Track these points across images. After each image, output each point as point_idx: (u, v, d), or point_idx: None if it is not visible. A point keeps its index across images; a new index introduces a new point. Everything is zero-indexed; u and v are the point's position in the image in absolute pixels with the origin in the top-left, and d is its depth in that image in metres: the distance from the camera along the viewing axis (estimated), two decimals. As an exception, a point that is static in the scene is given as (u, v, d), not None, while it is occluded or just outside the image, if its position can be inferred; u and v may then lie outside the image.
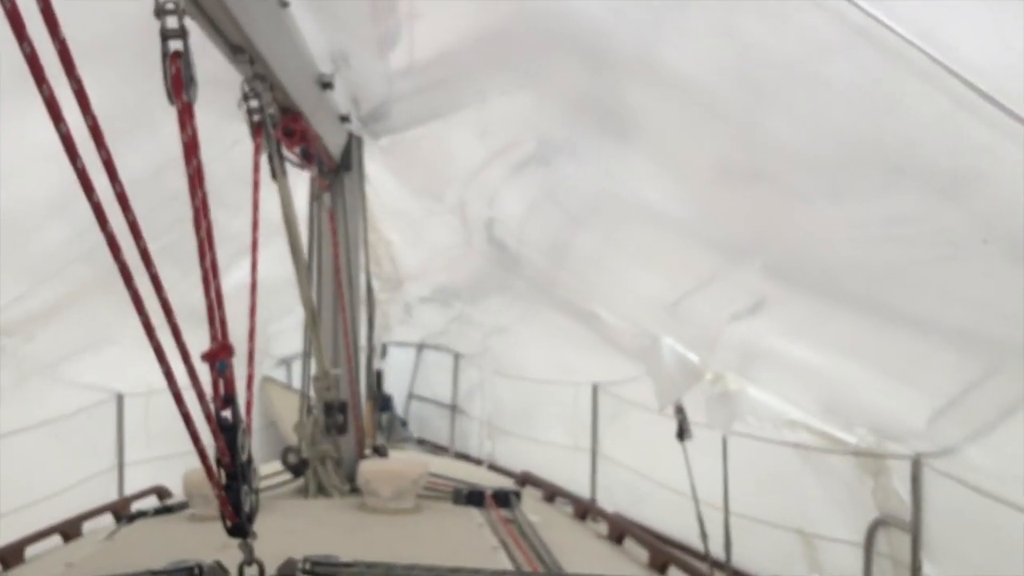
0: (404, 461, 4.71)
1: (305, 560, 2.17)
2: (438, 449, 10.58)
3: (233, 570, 2.14)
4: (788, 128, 3.25)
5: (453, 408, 11.42)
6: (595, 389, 8.03)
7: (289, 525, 3.29)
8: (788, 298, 4.69)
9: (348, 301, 4.82)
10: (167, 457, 7.87)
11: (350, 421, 4.65)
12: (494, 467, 8.15)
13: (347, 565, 2.17)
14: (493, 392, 10.39)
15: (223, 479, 2.03)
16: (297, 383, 9.79)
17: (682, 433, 4.82)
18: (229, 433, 1.99)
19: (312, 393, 4.69)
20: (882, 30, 2.28)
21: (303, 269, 3.91)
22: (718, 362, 5.15)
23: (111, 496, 7.20)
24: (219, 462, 2.01)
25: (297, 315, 7.24)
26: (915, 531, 4.69)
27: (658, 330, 5.47)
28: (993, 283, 3.17)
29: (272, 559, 2.14)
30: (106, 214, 1.47)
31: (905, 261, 3.49)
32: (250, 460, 2.08)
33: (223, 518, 2.08)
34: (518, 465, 7.72)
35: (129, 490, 7.43)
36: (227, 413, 2.02)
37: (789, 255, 4.41)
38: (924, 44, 2.22)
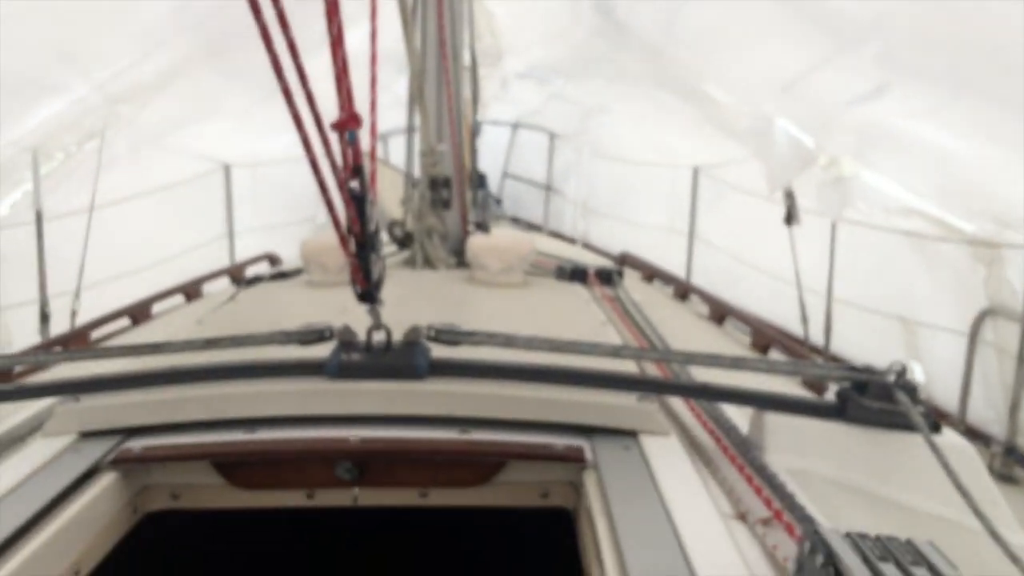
0: (512, 237, 4.76)
1: (429, 327, 2.23)
2: (531, 228, 10.67)
3: (361, 334, 2.22)
4: None
5: (547, 188, 11.40)
6: (696, 172, 7.87)
7: (404, 294, 3.38)
8: (914, 79, 4.41)
9: (452, 76, 4.71)
10: (272, 227, 8.17)
11: (454, 196, 4.67)
12: (588, 247, 8.20)
13: (469, 334, 2.22)
14: (589, 173, 10.30)
15: (353, 247, 2.06)
16: (392, 159, 9.87)
17: (790, 218, 4.70)
18: (358, 203, 2.00)
19: (416, 169, 4.70)
20: None
21: (412, 42, 3.80)
22: (834, 145, 4.93)
23: (222, 261, 7.56)
24: (349, 230, 2.03)
25: (392, 93, 7.16)
26: (1026, 321, 4.59)
27: (772, 111, 5.23)
28: None
29: (394, 325, 2.20)
30: None
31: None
32: (378, 230, 2.10)
33: (353, 284, 2.13)
34: (611, 246, 7.76)
35: (238, 256, 7.79)
36: (355, 184, 2.03)
37: (918, 34, 4.10)
38: None
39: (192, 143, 7.24)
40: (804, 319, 4.76)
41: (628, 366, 2.45)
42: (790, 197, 4.67)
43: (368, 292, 2.11)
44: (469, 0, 5.16)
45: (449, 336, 2.20)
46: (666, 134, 8.13)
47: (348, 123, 1.91)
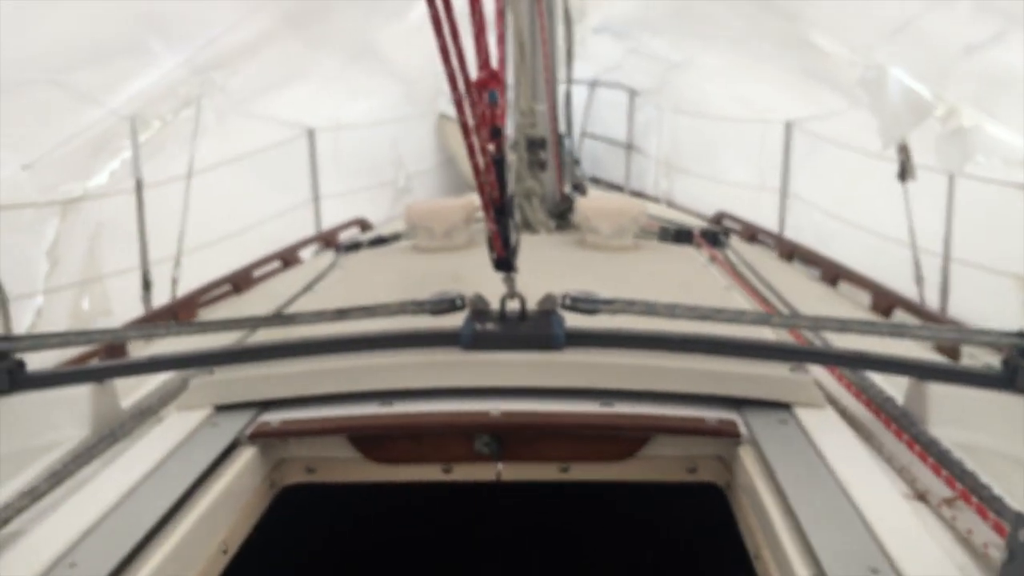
0: (620, 199, 4.63)
1: (565, 296, 2.14)
2: (612, 188, 10.47)
3: (494, 301, 2.15)
4: None
5: (628, 147, 11.16)
6: (788, 127, 7.56)
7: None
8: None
9: (549, 34, 4.57)
10: (352, 191, 8.13)
11: (550, 158, 4.56)
12: (672, 206, 7.99)
13: (607, 302, 2.13)
14: (671, 129, 10.03)
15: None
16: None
17: (904, 173, 4.47)
18: (497, 166, 1.92)
19: (511, 130, 4.59)
20: None
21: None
22: (953, 94, 4.64)
23: (307, 225, 7.56)
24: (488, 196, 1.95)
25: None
26: None
27: (884, 60, 4.95)
28: None
29: (522, 291, 2.13)
30: None
31: None
32: (513, 196, 2.02)
33: (490, 251, 2.06)
34: (695, 204, 7.53)
35: (324, 221, 7.78)
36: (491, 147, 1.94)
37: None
38: None
39: (275, 109, 7.21)
40: (919, 279, 4.54)
41: (765, 333, 2.33)
42: (904, 151, 4.43)
43: (506, 260, 2.04)
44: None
45: (586, 305, 2.12)
46: (755, 87, 7.83)
47: (488, 82, 1.82)
